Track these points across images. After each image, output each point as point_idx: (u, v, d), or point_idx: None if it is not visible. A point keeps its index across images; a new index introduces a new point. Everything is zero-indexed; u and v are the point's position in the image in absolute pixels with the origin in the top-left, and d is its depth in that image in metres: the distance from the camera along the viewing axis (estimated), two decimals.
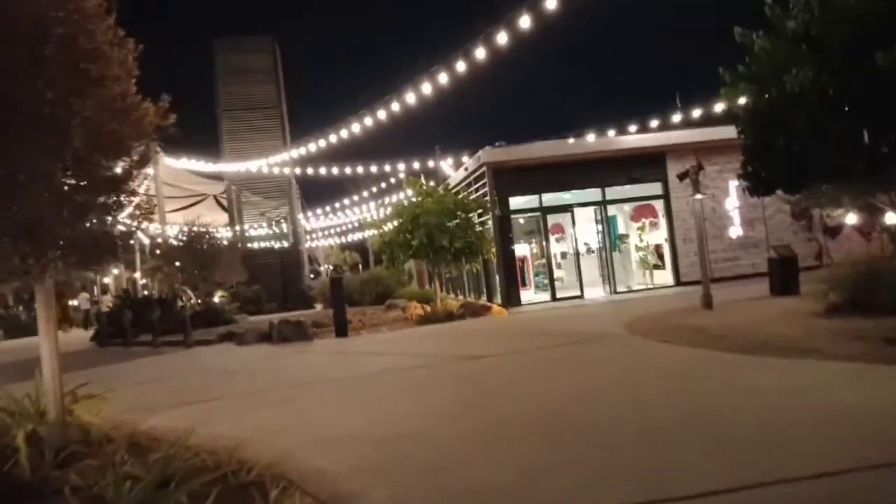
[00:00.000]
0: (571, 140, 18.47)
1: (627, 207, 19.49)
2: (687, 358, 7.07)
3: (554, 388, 6.08)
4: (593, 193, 18.37)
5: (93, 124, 4.33)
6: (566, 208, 18.60)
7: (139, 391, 8.47)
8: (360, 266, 48.17)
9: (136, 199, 5.11)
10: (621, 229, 20.14)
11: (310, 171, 24.45)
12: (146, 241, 33.22)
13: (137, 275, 27.84)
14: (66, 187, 4.65)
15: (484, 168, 17.31)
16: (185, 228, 20.24)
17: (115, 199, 4.70)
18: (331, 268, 48.12)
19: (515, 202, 17.90)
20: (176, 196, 34.29)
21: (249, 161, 25.29)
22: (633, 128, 18.65)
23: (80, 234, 4.30)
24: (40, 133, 4.16)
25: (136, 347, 15.13)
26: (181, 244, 19.94)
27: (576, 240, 18.46)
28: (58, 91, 4.38)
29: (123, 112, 4.71)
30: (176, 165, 28.27)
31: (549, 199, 18.20)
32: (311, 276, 41.42)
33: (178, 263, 20.23)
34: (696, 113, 19.06)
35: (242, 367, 9.85)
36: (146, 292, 26.12)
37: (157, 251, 23.96)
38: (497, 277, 17.85)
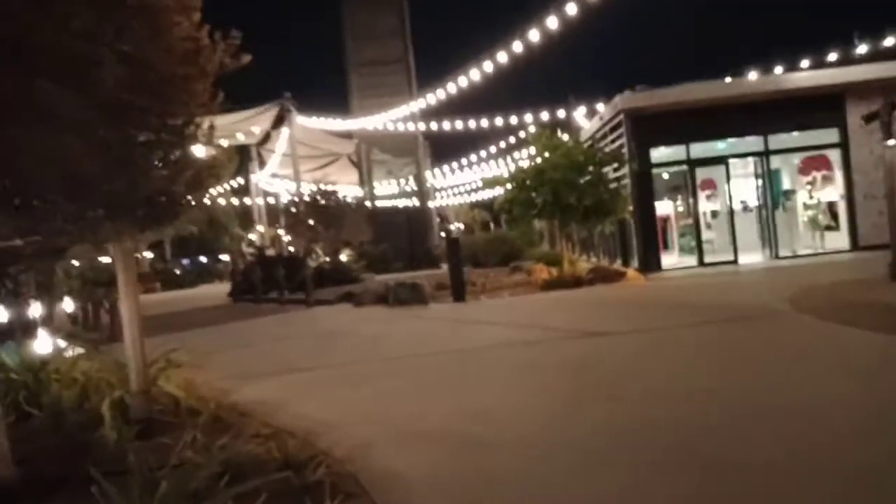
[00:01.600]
0: (728, 80, 16.03)
1: (795, 158, 16.67)
2: (885, 349, 5.40)
3: (697, 388, 4.69)
4: (753, 143, 15.89)
5: (145, 63, 3.63)
6: (719, 160, 16.27)
7: (243, 355, 8.25)
8: (492, 225, 47.44)
9: (197, 153, 4.44)
10: (786, 184, 17.37)
11: (435, 126, 23.71)
12: (284, 199, 34.75)
13: (262, 231, 29.00)
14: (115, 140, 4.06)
15: (621, 115, 15.48)
16: (314, 187, 20.47)
17: (173, 153, 4.04)
18: (461, 226, 47.90)
19: (658, 154, 15.90)
20: (311, 156, 35.37)
21: (376, 118, 25.07)
22: (804, 63, 15.79)
23: (129, 190, 3.70)
24: (76, 73, 3.57)
25: (264, 304, 15.45)
26: (309, 203, 20.20)
27: (730, 196, 16.16)
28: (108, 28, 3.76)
29: (186, 52, 4.00)
30: (308, 124, 28.88)
31: (699, 149, 15.98)
32: (442, 234, 41.41)
33: (312, 221, 20.58)
34: (887, 43, 15.74)
35: (351, 332, 9.38)
36: (283, 250, 27.17)
37: (293, 209, 24.63)
38: (634, 239, 16.15)
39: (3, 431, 3.87)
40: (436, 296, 13.77)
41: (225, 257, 38.15)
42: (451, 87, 18.98)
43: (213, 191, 37.79)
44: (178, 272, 33.94)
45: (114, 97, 3.68)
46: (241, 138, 30.53)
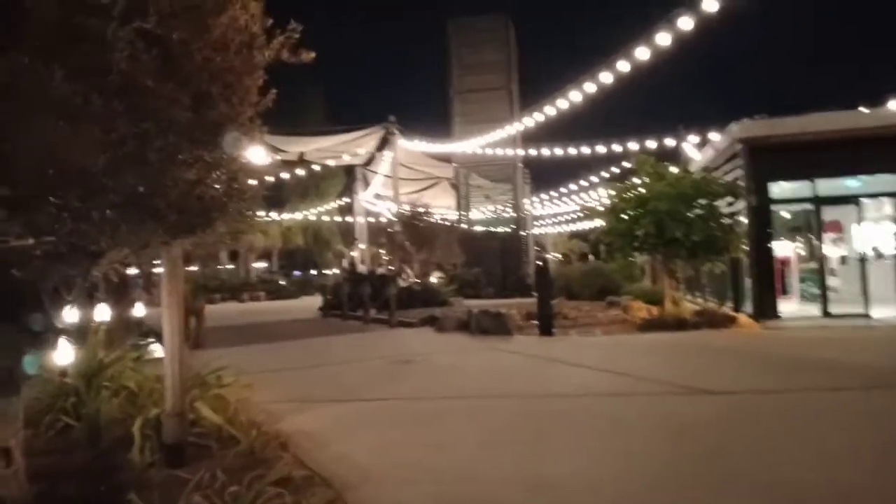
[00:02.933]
0: (862, 109, 14.23)
1: None
2: None
3: (847, 483, 3.67)
4: (891, 181, 13.97)
5: (173, 46, 3.26)
6: (849, 199, 14.46)
7: (308, 376, 7.91)
8: (590, 257, 45.83)
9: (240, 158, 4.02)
10: None
11: (535, 152, 23.10)
12: (385, 217, 35.21)
13: (357, 252, 29.34)
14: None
15: (738, 145, 14.08)
16: (408, 208, 20.35)
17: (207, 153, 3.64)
18: (558, 256, 46.60)
19: (778, 190, 14.32)
20: (412, 178, 35.73)
21: (476, 142, 24.78)
22: None
23: (148, 190, 3.33)
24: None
25: (350, 321, 15.31)
26: (402, 222, 20.07)
27: (862, 241, 14.26)
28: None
29: (228, 38, 3.62)
30: (410, 147, 29.11)
31: (826, 186, 14.26)
32: (539, 263, 40.35)
33: (407, 242, 20.46)
34: None
35: (425, 360, 8.82)
36: (380, 268, 27.30)
37: (391, 229, 24.68)
38: (747, 281, 14.58)
39: (19, 447, 3.55)
40: (522, 327, 12.99)
41: (330, 271, 39.28)
42: (553, 114, 18.35)
43: (318, 208, 39.28)
44: (283, 283, 35.09)
45: (128, 83, 3.29)
46: (346, 159, 31.34)
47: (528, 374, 7.50)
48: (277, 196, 40.42)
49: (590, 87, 15.95)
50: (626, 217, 12.47)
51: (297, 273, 42.32)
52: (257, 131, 4.50)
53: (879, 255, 15.22)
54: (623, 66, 13.99)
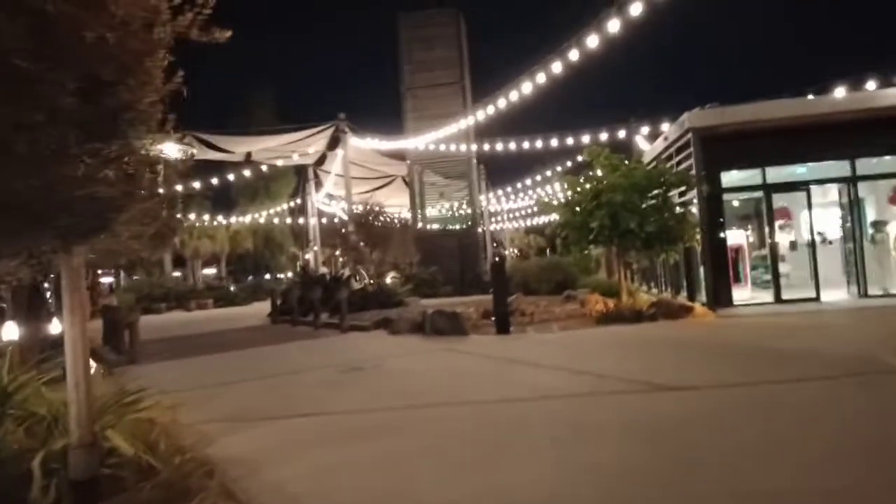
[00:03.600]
0: (810, 97, 14.39)
1: (884, 185, 14.83)
2: None
3: (832, 489, 3.41)
4: (838, 167, 14.17)
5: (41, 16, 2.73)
6: (798, 186, 14.64)
7: (248, 390, 7.36)
8: (548, 251, 46.00)
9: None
10: (874, 214, 15.48)
11: (489, 147, 22.84)
12: (338, 218, 34.47)
13: (311, 254, 28.65)
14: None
15: (689, 135, 14.05)
16: (360, 207, 19.81)
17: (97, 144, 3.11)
18: (515, 252, 46.63)
19: (729, 178, 14.38)
20: (365, 177, 35.08)
21: (428, 138, 24.36)
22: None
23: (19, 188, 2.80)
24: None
25: (300, 327, 14.71)
26: (355, 222, 19.52)
27: (811, 227, 14.44)
28: None
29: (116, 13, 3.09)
30: (361, 145, 28.49)
31: (776, 174, 14.40)
32: (496, 259, 40.20)
33: (360, 242, 19.89)
34: None
35: (377, 365, 8.35)
36: (336, 270, 26.63)
37: (344, 230, 24.05)
38: (702, 270, 14.60)
39: None
40: (478, 325, 12.64)
41: (284, 275, 38.26)
42: (506, 107, 18.09)
43: (269, 210, 38.26)
44: (232, 289, 33.95)
45: None
46: (296, 158, 30.51)
47: (484, 377, 7.13)
48: (224, 198, 39.25)
49: (541, 79, 15.72)
50: (580, 210, 12.25)
51: (250, 278, 41.23)
52: (165, 121, 3.99)
53: (826, 240, 15.49)
54: (574, 55, 13.78)
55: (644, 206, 12.35)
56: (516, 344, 9.84)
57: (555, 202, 13.55)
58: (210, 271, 42.82)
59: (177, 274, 36.45)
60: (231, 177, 30.38)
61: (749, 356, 7.46)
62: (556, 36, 14.07)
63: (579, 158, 24.05)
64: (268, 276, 41.34)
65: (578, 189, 12.60)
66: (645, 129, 18.89)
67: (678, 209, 13.31)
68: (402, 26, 28.15)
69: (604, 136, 19.87)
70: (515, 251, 46.76)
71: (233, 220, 35.65)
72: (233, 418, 5.91)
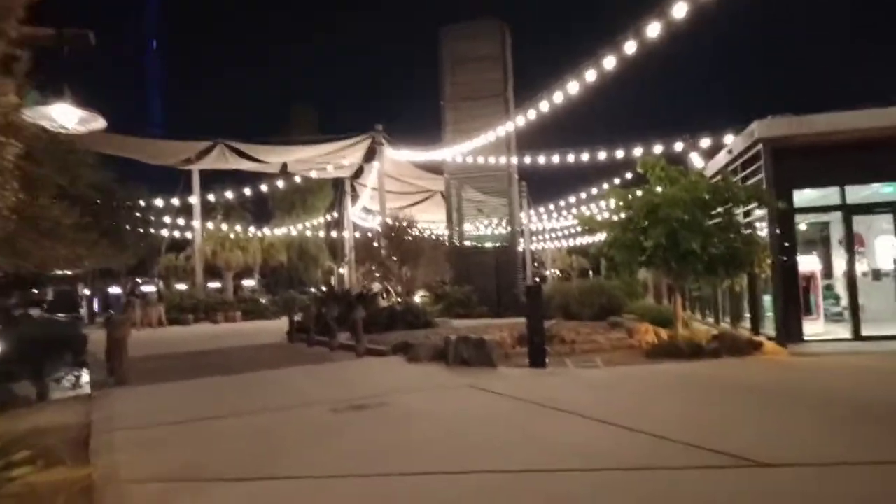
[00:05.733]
0: None
1: None
2: None
3: None
4: None
5: None
6: (884, 207, 12.77)
7: (220, 431, 6.09)
8: (591, 273, 44.12)
9: None
10: None
11: (530, 160, 21.47)
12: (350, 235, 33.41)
13: (345, 269, 27.59)
14: None
15: (759, 146, 12.36)
16: (390, 221, 18.63)
17: None
18: (556, 273, 44.85)
19: (801, 198, 12.61)
20: (403, 192, 34.04)
21: (466, 149, 23.12)
22: None
23: None
24: None
25: (315, 348, 13.49)
26: (384, 236, 18.33)
27: (886, 254, 12.56)
28: None
29: None
30: (398, 157, 27.46)
31: (857, 193, 12.59)
32: (536, 279, 38.47)
33: (393, 258, 18.68)
34: None
35: (384, 403, 6.98)
36: (362, 286, 25.51)
37: (375, 244, 22.90)
38: (766, 300, 12.83)
39: None
40: (510, 354, 11.18)
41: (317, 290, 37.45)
42: (551, 120, 16.76)
43: (305, 223, 37.56)
44: (263, 302, 33.17)
45: None
46: (331, 170, 29.69)
47: (509, 431, 5.66)
48: (261, 210, 38.81)
49: (586, 83, 14.35)
50: (631, 227, 10.69)
51: (290, 291, 40.54)
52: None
53: None
54: (617, 64, 12.41)
55: (708, 223, 10.73)
56: (553, 382, 8.32)
57: (600, 219, 11.96)
58: (250, 283, 42.39)
59: (217, 285, 35.91)
60: (265, 188, 29.74)
61: (859, 412, 5.80)
62: (604, 47, 12.68)
63: (628, 175, 22.43)
64: (304, 290, 40.63)
65: (630, 203, 11.05)
66: (705, 143, 17.20)
67: (745, 230, 11.63)
68: (444, 37, 27.07)
69: (656, 151, 18.27)
70: (557, 272, 44.98)
71: (267, 232, 35.03)
72: (184, 476, 4.63)
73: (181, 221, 31.01)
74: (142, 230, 6.92)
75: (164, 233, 32.55)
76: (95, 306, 49.65)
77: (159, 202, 27.81)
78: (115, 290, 57.03)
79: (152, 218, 24.89)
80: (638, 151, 18.37)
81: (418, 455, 4.87)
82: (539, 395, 7.16)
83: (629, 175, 21.78)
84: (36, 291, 48.13)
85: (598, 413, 6.06)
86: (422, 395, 7.56)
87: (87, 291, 53.71)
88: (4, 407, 8.40)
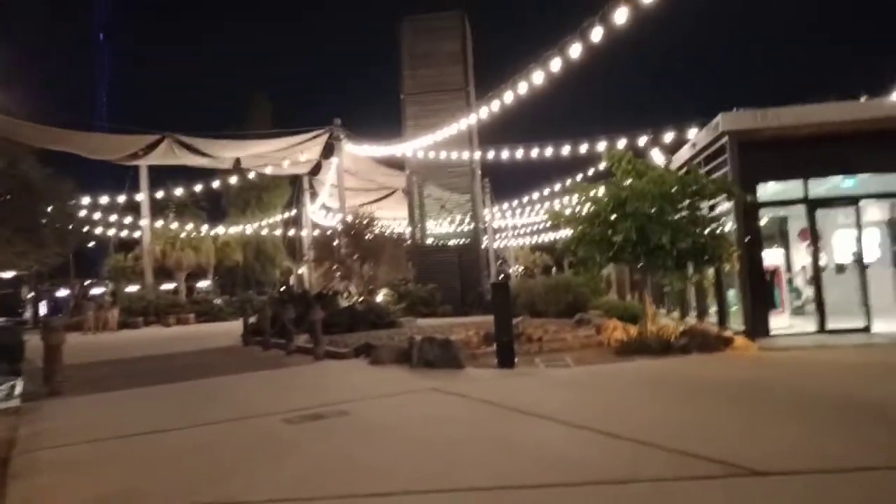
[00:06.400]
0: (863, 99, 12.61)
1: None
2: None
3: None
4: (891, 180, 12.41)
5: None
6: (846, 201, 12.82)
7: (157, 450, 5.46)
8: (553, 270, 44.19)
9: None
10: None
11: (493, 155, 21.12)
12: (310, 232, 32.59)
13: (304, 269, 26.84)
14: None
15: (724, 140, 12.25)
16: (350, 218, 18.03)
17: None
18: (521, 269, 44.77)
19: (764, 191, 12.57)
20: (364, 188, 33.33)
21: (428, 143, 22.63)
22: None
23: None
24: None
25: (271, 351, 12.82)
26: (344, 233, 17.71)
27: (859, 246, 12.60)
28: None
29: None
30: (356, 151, 26.79)
31: (820, 186, 12.61)
32: (500, 277, 38.27)
33: (354, 256, 18.05)
34: None
35: (340, 413, 6.44)
36: (323, 286, 24.77)
37: (333, 242, 22.19)
38: (733, 293, 12.75)
39: None
40: (477, 354, 10.75)
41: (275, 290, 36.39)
42: (513, 112, 16.42)
43: (261, 222, 36.45)
44: (218, 303, 32.04)
45: None
46: (287, 166, 28.80)
47: (478, 440, 5.19)
48: (214, 208, 37.52)
49: (551, 79, 14.05)
50: (598, 222, 10.37)
51: (249, 292, 39.32)
52: None
53: (860, 263, 13.67)
54: (582, 56, 12.12)
55: (675, 218, 10.50)
56: (522, 383, 7.91)
57: (567, 213, 11.61)
58: (203, 284, 41.00)
59: (171, 286, 34.53)
60: (216, 184, 28.67)
61: (846, 411, 5.54)
62: (568, 37, 12.36)
63: (591, 171, 22.31)
64: (261, 291, 39.46)
65: (594, 198, 10.73)
66: (667, 138, 17.09)
67: (711, 224, 11.45)
68: (404, 29, 26.53)
69: (619, 146, 18.11)
70: (520, 269, 44.90)
71: (221, 230, 33.79)
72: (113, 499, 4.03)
73: (130, 220, 29.68)
74: (69, 227, 6.24)
75: (111, 232, 31.14)
76: (43, 309, 47.43)
77: (104, 199, 26.52)
78: (63, 292, 54.67)
79: (81, 214, 23.44)
80: (601, 146, 18.19)
81: (381, 472, 4.36)
82: (510, 398, 6.73)
83: (592, 171, 21.68)
84: None
85: (574, 417, 5.66)
86: (385, 401, 7.05)
87: (31, 294, 51.26)
88: None
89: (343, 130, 26.82)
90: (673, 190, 10.70)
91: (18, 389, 10.03)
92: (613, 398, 6.76)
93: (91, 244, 43.64)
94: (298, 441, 5.42)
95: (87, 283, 49.82)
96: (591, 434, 5.13)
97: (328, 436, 5.60)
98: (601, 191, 10.54)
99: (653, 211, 10.18)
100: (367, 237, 17.38)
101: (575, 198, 12.15)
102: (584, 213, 10.94)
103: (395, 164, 27.74)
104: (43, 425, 6.73)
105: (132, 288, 31.76)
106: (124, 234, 31.43)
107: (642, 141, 16.74)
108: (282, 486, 4.20)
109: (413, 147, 23.53)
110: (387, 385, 8.06)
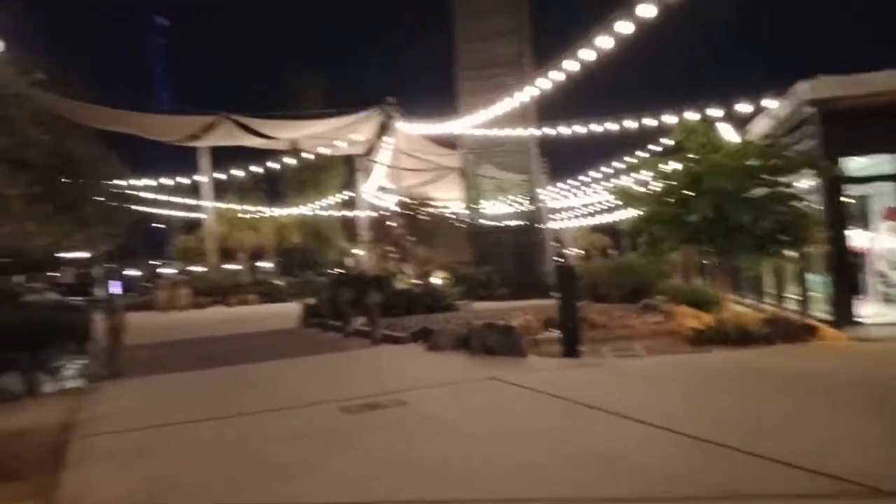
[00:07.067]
0: None
1: None
2: None
3: None
4: None
5: None
6: None
7: (201, 439, 5.25)
8: (613, 251, 42.95)
9: None
10: None
11: (553, 131, 20.33)
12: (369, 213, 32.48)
13: (360, 251, 26.80)
14: None
15: (807, 110, 11.19)
16: (405, 199, 17.73)
17: None
18: (579, 252, 43.73)
19: (848, 167, 11.46)
20: (418, 169, 33.00)
21: (484, 119, 22.03)
22: None
23: None
24: None
25: (329, 333, 12.70)
26: (400, 215, 17.44)
27: None
28: None
29: None
30: (410, 130, 26.45)
31: None
32: (558, 259, 37.40)
33: (409, 238, 17.80)
34: None
35: (397, 403, 6.11)
36: (378, 268, 24.67)
37: (388, 223, 21.96)
38: (816, 278, 11.77)
39: None
40: (539, 341, 10.27)
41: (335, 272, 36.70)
42: (575, 90, 15.66)
43: (318, 202, 36.69)
44: (279, 283, 32.51)
45: None
46: (342, 146, 28.73)
47: (541, 438, 4.74)
48: (273, 189, 37.96)
49: (613, 51, 13.23)
50: (672, 200, 9.64)
51: (310, 273, 39.86)
52: None
53: None
54: (647, 25, 11.27)
55: (756, 195, 9.65)
56: (591, 375, 7.39)
57: (636, 192, 10.86)
58: (267, 265, 41.77)
59: (234, 267, 35.24)
60: (273, 164, 28.89)
61: None
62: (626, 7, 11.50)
63: (656, 149, 21.20)
64: (320, 272, 39.93)
65: (667, 174, 9.98)
66: (738, 110, 15.90)
67: (795, 202, 10.51)
68: (459, 2, 25.78)
69: (685, 119, 17.02)
70: (579, 251, 43.82)
71: (280, 211, 34.20)
72: (152, 502, 3.81)
73: (192, 202, 30.40)
74: (117, 206, 6.15)
75: (176, 214, 32.00)
76: (114, 289, 49.62)
77: (168, 181, 27.14)
78: (133, 272, 57.04)
79: (134, 194, 23.74)
80: (667, 120, 17.15)
81: (436, 475, 3.99)
82: (577, 391, 6.25)
83: (657, 147, 20.60)
84: (58, 274, 48.15)
85: (653, 415, 5.14)
86: (443, 390, 6.69)
87: (104, 274, 53.67)
88: None
89: (397, 109, 26.49)
90: (754, 164, 9.85)
91: (83, 370, 10.20)
92: (694, 394, 6.17)
93: (160, 225, 45.20)
94: (353, 433, 5.12)
95: (155, 263, 51.80)
96: (673, 436, 4.61)
97: (384, 428, 5.28)
98: (674, 167, 9.78)
99: (731, 188, 9.37)
100: (422, 218, 17.03)
101: (641, 175, 11.43)
102: (654, 191, 10.20)
103: (450, 143, 27.25)
104: (101, 408, 6.69)
105: (196, 268, 32.62)
106: (189, 215, 32.24)
107: (715, 112, 15.60)
108: (330, 488, 3.89)
109: (468, 124, 22.96)
110: (445, 373, 7.71)
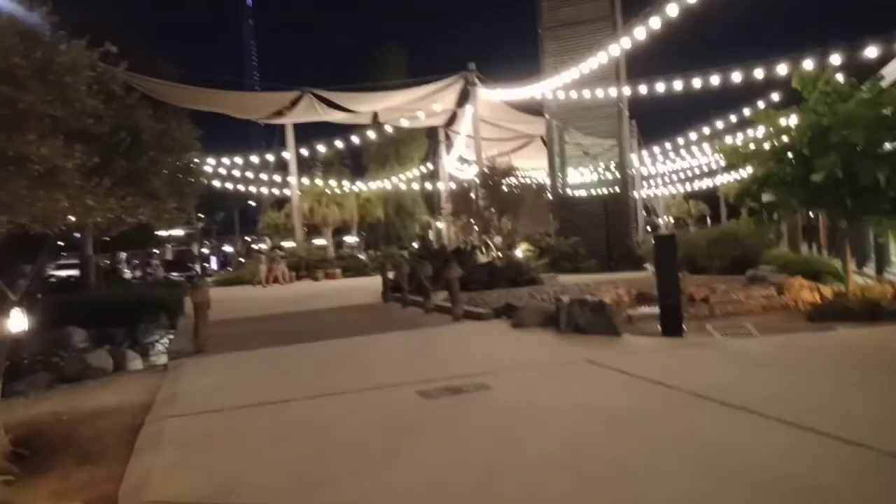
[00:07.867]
0: None
1: None
2: None
3: None
4: None
5: None
6: None
7: (273, 426, 4.92)
8: (709, 220, 40.52)
9: None
10: None
11: (644, 90, 18.94)
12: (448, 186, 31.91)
13: (441, 224, 26.30)
14: None
15: None
16: (486, 169, 17.03)
17: None
18: (670, 220, 41.54)
19: None
20: (500, 138, 32.11)
21: (568, 80, 20.88)
22: None
23: None
24: None
25: (410, 309, 12.38)
26: (481, 185, 16.80)
27: None
28: None
29: None
30: (491, 96, 25.58)
31: None
32: (648, 229, 35.66)
33: (492, 209, 17.18)
34: None
35: (479, 387, 5.58)
36: (461, 241, 24.21)
37: (470, 194, 21.38)
38: None
39: None
40: (633, 319, 9.48)
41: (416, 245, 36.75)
42: (667, 46, 14.32)
43: (400, 176, 36.65)
44: (363, 258, 32.84)
45: None
46: (422, 117, 28.28)
47: (651, 438, 4.05)
48: (355, 164, 38.19)
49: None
50: (792, 158, 8.45)
51: (393, 247, 40.22)
52: None
53: None
54: None
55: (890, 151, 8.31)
56: (696, 357, 6.56)
57: (749, 149, 9.60)
58: (352, 240, 42.43)
59: (320, 242, 36.01)
60: (355, 139, 28.88)
61: None
62: None
63: (760, 104, 19.33)
64: (402, 246, 40.11)
65: (786, 128, 8.75)
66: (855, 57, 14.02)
67: None
68: None
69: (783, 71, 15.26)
70: (671, 219, 41.60)
71: (363, 186, 34.38)
72: (211, 501, 3.48)
73: (279, 179, 31.05)
74: (187, 180, 5.97)
75: (264, 190, 32.80)
76: (213, 265, 52.20)
77: (255, 158, 27.73)
78: (228, 248, 59.76)
79: (206, 169, 23.99)
80: (779, 70, 15.45)
81: (526, 486, 3.41)
82: (685, 377, 5.48)
83: (763, 104, 18.76)
84: (157, 252, 51.17)
85: (783, 409, 4.31)
86: (530, 374, 6.10)
87: (204, 250, 56.46)
88: (78, 379, 7.87)
89: (477, 75, 25.67)
90: (889, 115, 8.46)
91: (169, 346, 10.38)
92: (829, 381, 5.25)
93: (252, 203, 46.75)
94: (431, 423, 4.64)
95: (248, 239, 53.92)
96: (819, 438, 3.79)
97: (465, 418, 4.76)
98: (794, 119, 8.56)
99: (861, 143, 8.10)
100: (504, 189, 16.32)
101: (746, 135, 10.19)
102: (769, 149, 9.01)
103: (533, 109, 26.14)
104: (179, 387, 6.59)
105: (285, 244, 33.40)
106: (276, 192, 32.97)
107: (834, 60, 13.82)
108: (394, 494, 3.41)
109: (552, 87, 21.84)
110: (532, 353, 7.10)
